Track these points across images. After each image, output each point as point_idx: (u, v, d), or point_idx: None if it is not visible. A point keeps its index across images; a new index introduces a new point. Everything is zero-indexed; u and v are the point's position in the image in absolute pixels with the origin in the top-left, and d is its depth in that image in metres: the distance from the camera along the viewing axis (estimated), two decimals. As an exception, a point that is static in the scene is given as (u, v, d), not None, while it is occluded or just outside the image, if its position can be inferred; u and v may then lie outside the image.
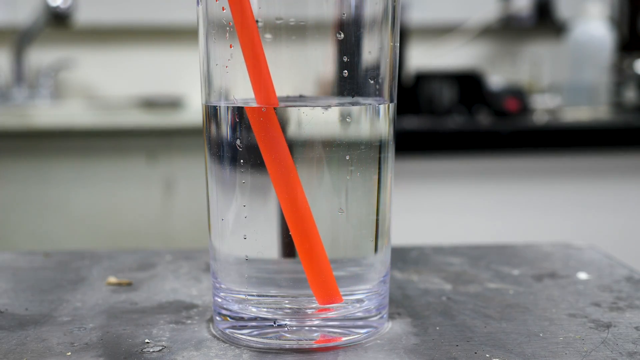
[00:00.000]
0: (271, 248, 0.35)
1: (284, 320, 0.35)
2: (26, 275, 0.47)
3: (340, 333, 0.35)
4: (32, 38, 1.62)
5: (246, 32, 0.33)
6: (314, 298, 0.35)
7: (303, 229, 0.34)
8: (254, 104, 0.34)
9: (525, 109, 1.40)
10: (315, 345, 0.34)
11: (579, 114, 1.44)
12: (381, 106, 0.36)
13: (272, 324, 0.35)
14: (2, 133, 1.33)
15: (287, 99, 0.35)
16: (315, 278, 0.34)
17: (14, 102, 1.60)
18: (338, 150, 0.34)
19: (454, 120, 1.36)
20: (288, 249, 0.35)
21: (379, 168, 0.36)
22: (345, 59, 0.34)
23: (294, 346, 0.34)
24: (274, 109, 0.34)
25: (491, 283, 0.45)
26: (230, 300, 0.36)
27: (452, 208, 1.29)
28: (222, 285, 0.36)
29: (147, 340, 0.35)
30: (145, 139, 1.36)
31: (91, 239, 1.36)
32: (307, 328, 0.35)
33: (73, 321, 0.38)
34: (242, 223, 0.35)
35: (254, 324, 0.35)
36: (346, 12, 0.34)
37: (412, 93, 1.42)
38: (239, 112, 0.34)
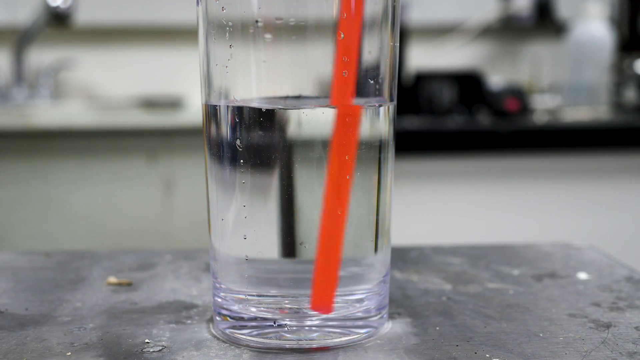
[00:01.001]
0: (271, 248, 0.35)
1: (284, 320, 0.35)
2: (26, 275, 0.47)
3: (340, 333, 0.35)
4: (32, 38, 1.62)
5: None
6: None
7: (336, 232, 0.34)
8: (255, 104, 0.34)
9: (525, 109, 1.40)
10: (315, 345, 0.34)
11: (579, 114, 1.44)
12: (381, 106, 0.36)
13: (272, 324, 0.35)
14: (2, 133, 1.33)
15: (287, 99, 0.35)
16: (321, 283, 0.34)
17: (14, 102, 1.60)
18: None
19: (454, 120, 1.36)
20: (288, 249, 0.35)
21: (379, 168, 0.36)
22: (345, 59, 0.34)
23: (294, 346, 0.34)
24: (274, 109, 0.34)
25: (491, 283, 0.45)
26: (230, 300, 0.36)
27: (452, 208, 1.29)
28: (222, 285, 0.36)
29: (147, 340, 0.35)
30: (145, 139, 1.36)
31: (91, 239, 1.36)
32: (307, 328, 0.35)
33: (73, 321, 0.38)
34: (242, 223, 0.35)
35: (254, 324, 0.35)
36: (346, 12, 0.34)
37: (412, 93, 1.42)
38: (239, 112, 0.34)
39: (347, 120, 0.34)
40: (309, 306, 0.34)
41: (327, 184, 0.34)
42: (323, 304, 0.34)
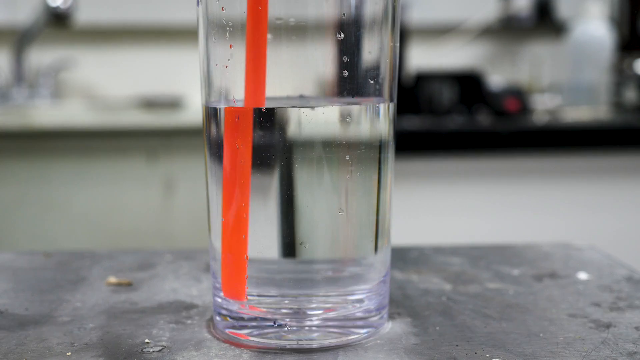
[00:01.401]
0: (271, 248, 0.35)
1: (284, 320, 0.35)
2: (26, 275, 0.47)
3: (340, 333, 0.35)
4: (32, 38, 1.62)
5: (257, 32, 0.33)
6: (314, 298, 0.35)
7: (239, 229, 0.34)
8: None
9: (525, 109, 1.40)
10: (315, 345, 0.34)
11: (579, 114, 1.44)
12: (381, 106, 0.36)
13: (272, 324, 0.35)
14: (2, 133, 1.33)
15: (288, 99, 0.35)
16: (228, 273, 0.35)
17: (14, 102, 1.60)
18: (338, 150, 0.34)
19: (454, 120, 1.36)
20: (288, 249, 0.35)
21: (379, 168, 0.36)
22: (345, 59, 0.34)
23: (294, 346, 0.34)
24: (274, 108, 0.34)
25: (491, 283, 0.45)
26: (230, 300, 0.36)
27: (452, 208, 1.29)
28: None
29: (147, 340, 0.35)
30: (145, 139, 1.36)
31: (91, 239, 1.36)
32: (307, 328, 0.35)
33: (73, 321, 0.38)
34: (242, 223, 0.35)
35: (254, 324, 0.35)
36: (346, 12, 0.34)
37: (412, 93, 1.42)
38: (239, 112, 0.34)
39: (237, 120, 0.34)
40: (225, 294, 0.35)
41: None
42: (235, 290, 0.35)
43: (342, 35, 0.34)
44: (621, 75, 1.54)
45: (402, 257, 0.50)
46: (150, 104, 1.49)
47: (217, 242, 0.36)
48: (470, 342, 0.35)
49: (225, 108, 0.35)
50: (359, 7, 0.34)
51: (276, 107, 0.34)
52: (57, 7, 1.53)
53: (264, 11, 0.32)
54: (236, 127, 0.34)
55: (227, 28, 0.34)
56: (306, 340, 0.35)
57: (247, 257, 0.35)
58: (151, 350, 0.34)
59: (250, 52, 0.33)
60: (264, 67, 0.33)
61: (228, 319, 0.36)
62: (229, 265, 0.35)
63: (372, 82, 0.35)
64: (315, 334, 0.35)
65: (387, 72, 0.36)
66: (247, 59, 0.33)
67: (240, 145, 0.34)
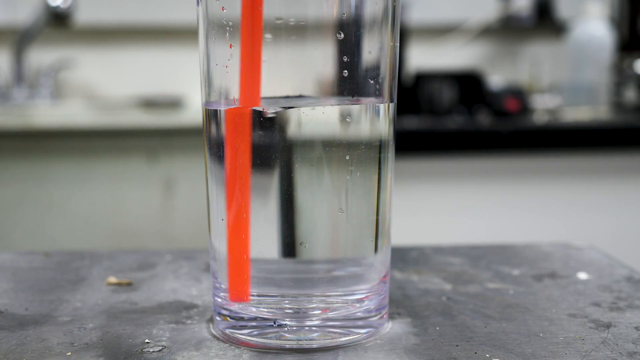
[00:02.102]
0: (271, 248, 0.35)
1: (284, 320, 0.35)
2: (26, 275, 0.47)
3: (340, 333, 0.35)
4: (32, 38, 1.62)
5: (251, 32, 0.33)
6: (314, 298, 0.35)
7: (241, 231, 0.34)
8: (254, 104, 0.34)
9: (525, 109, 1.40)
10: (315, 345, 0.34)
11: (579, 114, 1.44)
12: (381, 106, 0.36)
13: (272, 324, 0.35)
14: (2, 133, 1.33)
15: (287, 99, 0.35)
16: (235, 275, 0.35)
17: (14, 102, 1.60)
18: (338, 150, 0.34)
19: (454, 120, 1.36)
20: (288, 249, 0.35)
21: (379, 168, 0.36)
22: (345, 59, 0.34)
23: (294, 346, 0.34)
24: (274, 110, 0.34)
25: (491, 283, 0.45)
26: (230, 300, 0.36)
27: (452, 208, 1.29)
28: (222, 285, 0.36)
29: (147, 340, 0.35)
30: (145, 139, 1.36)
31: (91, 239, 1.36)
32: (307, 328, 0.35)
33: (73, 321, 0.38)
34: (242, 223, 0.35)
35: (254, 324, 0.35)
36: (346, 12, 0.34)
37: (412, 93, 1.42)
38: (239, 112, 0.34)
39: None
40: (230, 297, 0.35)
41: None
42: (239, 293, 0.35)
43: (342, 35, 0.34)
44: (621, 75, 1.54)
45: (402, 257, 0.50)
46: (150, 104, 1.49)
47: (217, 242, 0.36)
48: (470, 342, 0.35)
49: (225, 110, 0.35)
50: (359, 7, 0.34)
51: (276, 107, 0.34)
52: (57, 7, 1.53)
53: (259, 10, 0.32)
54: (235, 127, 0.34)
55: (227, 28, 0.34)
56: (306, 340, 0.35)
57: (247, 257, 0.35)
58: (151, 350, 0.34)
59: (245, 51, 0.33)
60: (259, 67, 0.33)
61: (228, 319, 0.36)
62: (231, 266, 0.35)
63: (372, 82, 0.35)
64: (315, 334, 0.35)
65: (387, 72, 0.36)
66: (242, 59, 0.33)
67: (239, 145, 0.34)
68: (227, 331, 0.36)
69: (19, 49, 1.62)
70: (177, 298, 0.42)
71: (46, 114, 1.41)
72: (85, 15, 1.63)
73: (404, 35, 1.45)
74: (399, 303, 0.41)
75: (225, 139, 0.35)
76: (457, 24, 1.72)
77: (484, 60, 1.76)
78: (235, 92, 0.35)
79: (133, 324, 0.38)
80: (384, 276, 0.37)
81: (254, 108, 0.34)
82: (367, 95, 0.35)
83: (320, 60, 0.34)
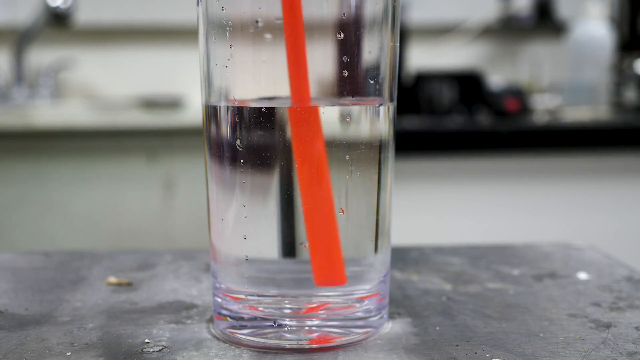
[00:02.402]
0: (271, 248, 0.35)
1: (284, 320, 0.35)
2: (26, 275, 0.47)
3: (340, 333, 0.35)
4: (32, 38, 1.62)
5: (294, 29, 0.33)
6: (314, 298, 0.35)
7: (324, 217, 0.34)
8: (255, 104, 0.34)
9: (525, 109, 1.40)
10: (315, 345, 0.34)
11: (579, 114, 1.44)
12: (381, 106, 0.36)
13: (272, 324, 0.35)
14: (2, 133, 1.33)
15: (288, 99, 0.35)
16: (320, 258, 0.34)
17: (14, 102, 1.60)
18: (338, 150, 0.34)
19: (454, 120, 1.36)
20: (288, 249, 0.35)
21: (379, 168, 0.36)
22: (345, 59, 0.34)
23: (294, 346, 0.34)
24: (274, 108, 0.34)
25: (491, 283, 0.45)
26: (230, 300, 0.36)
27: (452, 208, 1.29)
28: (222, 285, 0.36)
29: (147, 340, 0.35)
30: (145, 139, 1.36)
31: (91, 239, 1.36)
32: (307, 328, 0.35)
33: (73, 321, 0.38)
34: (242, 223, 0.35)
35: (254, 324, 0.35)
36: (346, 12, 0.34)
37: (412, 93, 1.42)
38: (239, 112, 0.34)
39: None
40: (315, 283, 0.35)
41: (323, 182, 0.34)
42: (330, 277, 0.35)
43: (342, 35, 0.34)
44: (621, 75, 1.54)
45: (402, 257, 0.50)
46: (150, 104, 1.49)
47: (217, 242, 0.36)
48: (470, 342, 0.35)
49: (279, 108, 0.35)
50: (359, 7, 0.34)
51: (276, 107, 0.34)
52: (57, 7, 1.53)
53: (299, 9, 0.33)
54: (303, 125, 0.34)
55: (227, 28, 0.34)
56: (306, 340, 0.35)
57: (244, 254, 0.35)
58: (151, 350, 0.34)
59: (291, 50, 0.33)
60: (305, 64, 0.33)
61: (228, 319, 0.36)
62: (323, 253, 0.34)
63: (372, 82, 0.35)
64: (315, 334, 0.35)
65: (387, 72, 0.36)
66: (289, 58, 0.33)
67: (239, 145, 0.34)
68: (227, 331, 0.36)
69: (19, 49, 1.62)
70: (177, 298, 0.42)
71: (46, 114, 1.41)
72: (85, 15, 1.63)
73: (404, 35, 1.45)
74: (399, 303, 0.41)
75: (225, 139, 0.35)
76: (457, 24, 1.72)
77: (484, 60, 1.76)
78: (235, 92, 0.35)
79: (133, 324, 0.38)
80: (384, 276, 0.37)
81: (254, 107, 0.34)
82: (367, 95, 0.35)
83: (320, 60, 0.34)
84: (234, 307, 0.36)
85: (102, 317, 0.39)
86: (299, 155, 0.34)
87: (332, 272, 0.35)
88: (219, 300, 0.36)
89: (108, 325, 0.37)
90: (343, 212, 0.35)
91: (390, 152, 0.37)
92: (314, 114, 0.33)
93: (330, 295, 0.35)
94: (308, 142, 0.33)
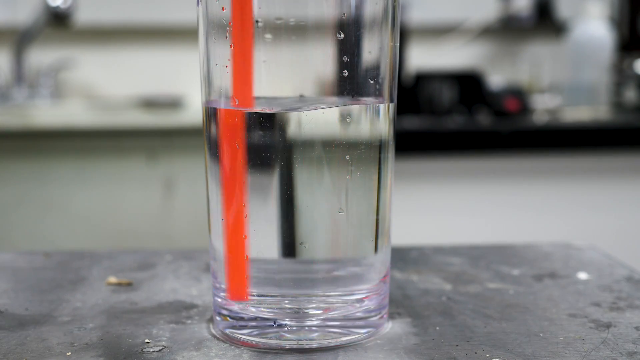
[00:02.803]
0: (271, 248, 0.35)
1: (284, 320, 0.35)
2: (26, 275, 0.47)
3: (340, 333, 0.35)
4: (32, 38, 1.62)
5: (245, 32, 0.33)
6: (314, 298, 0.35)
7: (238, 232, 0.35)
8: (255, 104, 0.34)
9: (525, 109, 1.40)
10: (315, 345, 0.34)
11: (579, 114, 1.44)
12: (381, 106, 0.36)
13: (272, 324, 0.35)
14: (2, 133, 1.33)
15: (287, 99, 0.35)
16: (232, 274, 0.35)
17: (14, 102, 1.60)
18: (338, 150, 0.34)
19: (454, 120, 1.36)
20: (288, 249, 0.35)
21: (379, 168, 0.36)
22: (345, 59, 0.34)
23: (294, 346, 0.34)
24: (274, 110, 0.34)
25: (491, 283, 0.45)
26: (230, 300, 0.36)
27: (452, 208, 1.29)
28: (222, 285, 0.36)
29: (147, 340, 0.35)
30: (145, 139, 1.36)
31: (91, 239, 1.35)
32: (307, 328, 0.35)
33: (73, 321, 0.38)
34: (242, 223, 0.35)
35: (254, 324, 0.35)
36: (346, 12, 0.34)
37: (412, 93, 1.42)
38: (239, 112, 0.34)
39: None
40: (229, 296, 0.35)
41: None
42: (238, 293, 0.35)
43: (342, 35, 0.34)
44: (621, 75, 1.54)
45: (402, 257, 0.50)
46: (150, 104, 1.49)
47: (217, 242, 0.36)
48: (470, 342, 0.35)
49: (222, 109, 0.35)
50: (359, 7, 0.34)
51: (276, 108, 0.34)
52: (57, 7, 1.53)
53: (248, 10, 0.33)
54: (235, 127, 0.34)
55: (227, 28, 0.34)
56: (306, 340, 0.35)
57: (247, 257, 0.35)
58: (151, 350, 0.34)
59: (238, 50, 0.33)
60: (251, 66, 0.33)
61: (228, 319, 0.36)
62: (230, 266, 0.35)
63: (372, 82, 0.35)
64: (315, 334, 0.35)
65: (387, 72, 0.36)
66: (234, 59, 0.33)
67: (239, 145, 0.34)
68: (227, 331, 0.36)
69: (19, 49, 1.62)
70: (177, 298, 0.42)
71: (46, 114, 1.41)
72: (85, 15, 1.63)
73: (404, 35, 1.45)
74: (399, 303, 0.41)
75: (225, 138, 0.35)
76: (457, 24, 1.72)
77: (484, 60, 1.76)
78: (235, 92, 0.35)
79: (133, 324, 0.38)
80: (384, 276, 0.37)
81: (254, 107, 0.34)
82: (367, 95, 0.35)
83: (320, 60, 0.34)
84: (234, 307, 0.36)
85: (102, 317, 0.39)
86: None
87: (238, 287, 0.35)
88: (219, 300, 0.36)
89: (108, 325, 0.37)
90: (342, 211, 0.35)
91: (390, 152, 0.37)
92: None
93: (330, 296, 0.35)
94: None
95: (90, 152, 1.35)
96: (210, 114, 0.36)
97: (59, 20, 1.54)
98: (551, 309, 0.40)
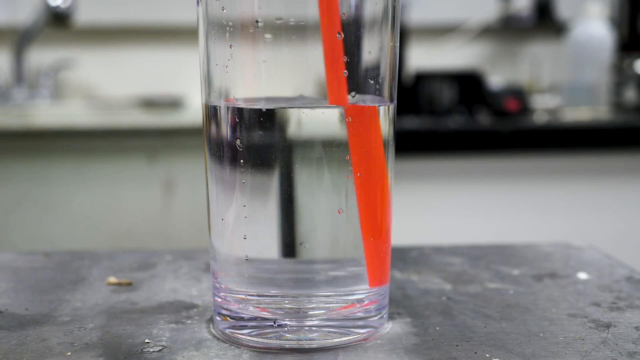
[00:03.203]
0: (271, 248, 0.35)
1: (284, 320, 0.35)
2: (26, 275, 0.47)
3: (340, 333, 0.35)
4: (32, 38, 1.62)
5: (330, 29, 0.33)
6: (314, 298, 0.35)
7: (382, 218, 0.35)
8: (255, 104, 0.34)
9: (525, 109, 1.40)
10: (315, 345, 0.34)
11: (579, 114, 1.44)
12: (381, 106, 0.36)
13: (272, 324, 0.35)
14: (2, 133, 1.33)
15: (287, 99, 0.35)
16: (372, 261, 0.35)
17: (14, 102, 1.60)
18: (338, 150, 0.34)
19: (454, 120, 1.36)
20: (288, 249, 0.35)
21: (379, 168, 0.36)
22: (345, 59, 0.34)
23: (294, 346, 0.34)
24: (274, 108, 0.34)
25: (491, 283, 0.45)
26: (230, 300, 0.36)
27: (452, 208, 1.29)
28: (222, 285, 0.36)
29: (147, 340, 0.35)
30: (145, 139, 1.36)
31: (91, 239, 1.36)
32: (307, 328, 0.35)
33: (73, 321, 0.38)
34: (242, 223, 0.35)
35: (254, 324, 0.35)
36: (346, 12, 0.34)
37: (412, 93, 1.42)
38: (239, 112, 0.34)
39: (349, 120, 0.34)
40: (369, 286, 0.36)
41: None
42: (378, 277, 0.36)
43: (342, 35, 0.34)
44: (621, 75, 1.54)
45: (402, 257, 0.50)
46: (150, 104, 1.49)
47: (217, 242, 0.36)
48: (470, 342, 0.35)
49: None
50: (359, 7, 0.34)
51: (276, 107, 0.34)
52: (57, 7, 1.53)
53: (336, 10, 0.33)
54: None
55: (227, 28, 0.34)
56: (306, 340, 0.35)
57: (246, 257, 0.35)
58: (151, 350, 0.34)
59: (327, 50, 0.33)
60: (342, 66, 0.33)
61: (228, 319, 0.36)
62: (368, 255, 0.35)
63: (372, 82, 0.35)
64: (315, 334, 0.35)
65: (387, 72, 0.36)
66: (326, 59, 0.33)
67: (239, 145, 0.34)
68: (227, 331, 0.36)
69: (19, 49, 1.62)
70: (177, 298, 0.42)
71: (46, 114, 1.41)
72: (85, 15, 1.63)
73: (404, 35, 1.45)
74: (399, 303, 0.41)
75: (225, 139, 0.35)
76: (457, 24, 1.72)
77: (484, 60, 1.76)
78: (235, 92, 0.35)
79: (133, 324, 0.38)
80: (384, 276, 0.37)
81: (254, 107, 0.34)
82: (367, 95, 0.35)
83: (320, 60, 0.34)
84: (234, 307, 0.36)
85: (102, 317, 0.39)
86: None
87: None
88: (219, 300, 0.36)
89: (108, 325, 0.37)
90: (342, 211, 0.35)
91: (390, 152, 0.37)
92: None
93: (330, 296, 0.35)
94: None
95: (90, 152, 1.35)
96: (210, 114, 0.36)
97: (59, 20, 1.54)
98: (551, 309, 0.40)
